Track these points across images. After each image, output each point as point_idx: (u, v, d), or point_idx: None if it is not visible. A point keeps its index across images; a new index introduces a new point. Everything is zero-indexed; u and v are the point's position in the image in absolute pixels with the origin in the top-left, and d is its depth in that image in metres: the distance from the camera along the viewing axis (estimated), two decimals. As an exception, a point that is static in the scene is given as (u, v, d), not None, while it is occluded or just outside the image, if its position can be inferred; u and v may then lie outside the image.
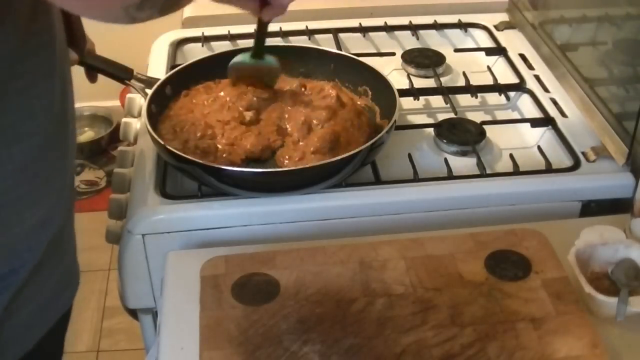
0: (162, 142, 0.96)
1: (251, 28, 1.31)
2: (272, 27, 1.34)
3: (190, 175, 0.98)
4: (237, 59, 1.08)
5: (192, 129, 1.01)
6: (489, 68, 1.27)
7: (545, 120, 1.13)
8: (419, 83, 1.23)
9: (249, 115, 1.03)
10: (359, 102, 1.10)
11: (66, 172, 0.80)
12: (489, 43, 1.35)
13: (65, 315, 0.88)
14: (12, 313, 0.76)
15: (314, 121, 1.02)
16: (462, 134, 1.09)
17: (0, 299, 0.75)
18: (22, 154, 0.71)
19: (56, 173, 0.77)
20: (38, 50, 0.71)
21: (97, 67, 1.12)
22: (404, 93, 1.15)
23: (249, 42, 1.29)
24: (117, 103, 2.58)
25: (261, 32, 1.03)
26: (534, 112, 1.16)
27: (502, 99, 1.21)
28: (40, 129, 0.73)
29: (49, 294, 0.82)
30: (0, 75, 0.67)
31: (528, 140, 1.12)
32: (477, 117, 1.15)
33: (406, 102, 1.17)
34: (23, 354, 0.80)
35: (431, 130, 1.10)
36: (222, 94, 1.06)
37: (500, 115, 1.19)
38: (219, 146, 0.99)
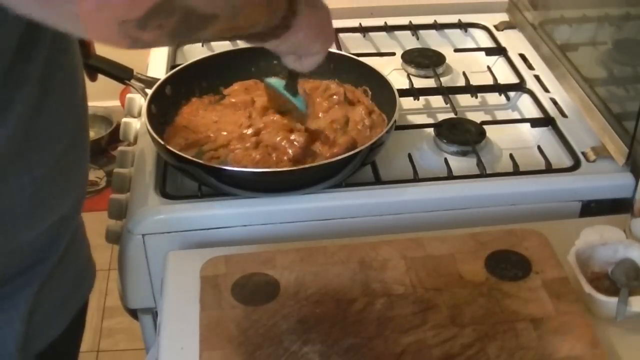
0: (162, 142, 0.96)
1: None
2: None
3: (190, 175, 0.98)
4: (272, 80, 1.00)
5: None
6: (489, 68, 1.27)
7: (545, 120, 1.13)
8: (419, 83, 1.23)
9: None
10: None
11: (86, 168, 0.83)
12: (489, 43, 1.35)
13: (82, 308, 0.90)
14: (40, 303, 0.78)
15: (335, 129, 1.02)
16: (462, 134, 1.09)
17: (31, 287, 0.77)
18: (55, 154, 0.73)
19: (78, 170, 0.80)
20: (66, 51, 0.74)
21: (97, 67, 1.12)
22: (404, 93, 1.15)
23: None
24: (117, 103, 2.57)
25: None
26: (534, 112, 1.16)
27: (502, 99, 1.21)
28: (68, 129, 0.75)
29: (70, 285, 0.84)
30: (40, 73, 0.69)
31: (528, 140, 1.12)
32: (477, 117, 1.15)
33: (406, 102, 1.17)
34: (47, 344, 0.82)
35: (431, 130, 1.10)
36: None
37: (500, 115, 1.19)
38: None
